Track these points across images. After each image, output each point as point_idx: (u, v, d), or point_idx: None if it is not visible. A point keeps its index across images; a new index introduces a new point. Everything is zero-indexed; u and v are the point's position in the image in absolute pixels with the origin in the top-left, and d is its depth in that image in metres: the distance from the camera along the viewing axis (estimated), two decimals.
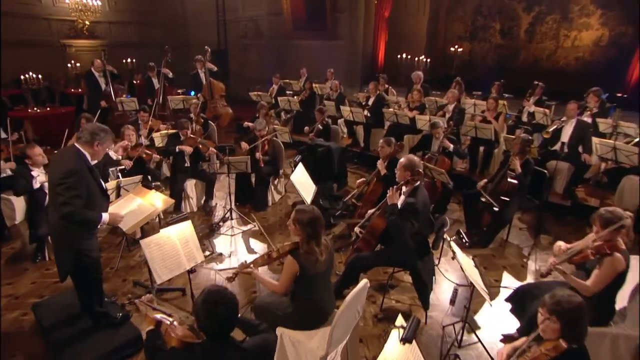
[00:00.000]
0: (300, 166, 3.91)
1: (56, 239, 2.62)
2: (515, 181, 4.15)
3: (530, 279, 3.76)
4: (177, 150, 4.76)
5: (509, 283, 3.67)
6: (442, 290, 3.54)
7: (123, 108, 6.50)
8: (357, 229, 3.22)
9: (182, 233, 2.67)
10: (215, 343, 1.63)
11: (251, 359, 1.68)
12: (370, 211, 3.25)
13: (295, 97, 8.21)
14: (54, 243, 2.67)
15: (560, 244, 2.64)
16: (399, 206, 2.94)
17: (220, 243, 4.34)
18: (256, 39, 12.18)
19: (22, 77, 7.63)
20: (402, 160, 3.05)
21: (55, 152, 3.64)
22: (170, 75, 7.30)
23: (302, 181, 3.69)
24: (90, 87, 6.88)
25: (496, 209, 4.04)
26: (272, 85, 8.67)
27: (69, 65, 9.98)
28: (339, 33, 10.54)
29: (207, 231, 4.59)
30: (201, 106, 6.92)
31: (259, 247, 4.31)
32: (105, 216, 2.57)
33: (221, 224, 4.71)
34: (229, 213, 4.79)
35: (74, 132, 5.01)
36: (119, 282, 3.58)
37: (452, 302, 3.31)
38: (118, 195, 3.55)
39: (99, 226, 2.57)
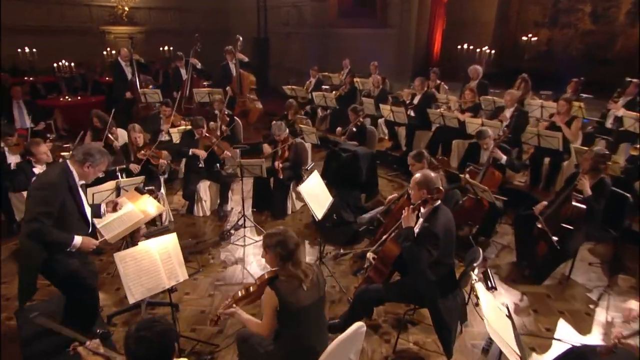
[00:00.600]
0: (315, 175, 3.74)
1: (23, 256, 2.65)
2: (582, 205, 3.66)
3: (596, 334, 3.27)
4: (190, 153, 4.79)
5: (566, 335, 3.22)
6: (475, 333, 3.19)
7: (146, 100, 6.73)
8: (369, 254, 2.99)
9: (164, 247, 2.61)
10: None
11: None
12: (385, 234, 3.00)
13: (333, 92, 8.06)
14: (20, 263, 2.69)
15: (634, 305, 2.19)
16: (416, 230, 2.67)
17: (228, 254, 4.30)
18: (298, 27, 12.17)
19: (55, 64, 8.18)
20: (416, 176, 2.77)
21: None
22: (199, 65, 7.44)
23: (315, 192, 3.51)
24: (116, 77, 7.21)
25: (555, 238, 3.58)
26: (310, 79, 8.57)
27: (104, 52, 10.60)
28: (388, 20, 10.21)
29: (217, 239, 4.57)
30: (229, 100, 7.05)
31: None
32: (77, 240, 2.56)
33: (232, 232, 4.67)
34: (242, 220, 4.75)
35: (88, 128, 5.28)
36: (112, 290, 3.64)
37: (485, 351, 2.97)
38: (118, 197, 3.61)
39: (71, 249, 2.57)
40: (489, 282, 2.57)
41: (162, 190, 4.78)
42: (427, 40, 10.41)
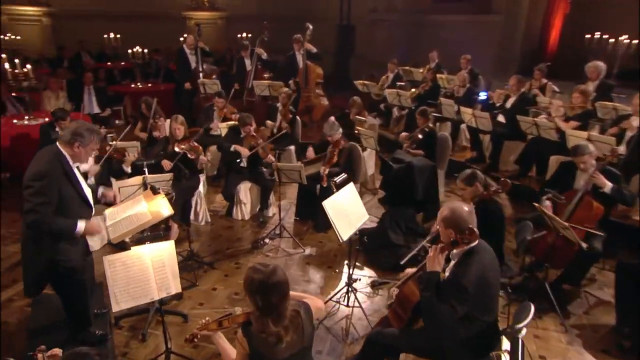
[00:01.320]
0: (349, 188, 3.56)
1: (24, 251, 2.83)
2: None
3: None
4: (232, 149, 4.93)
5: None
6: None
7: (205, 90, 7.11)
8: (393, 289, 2.75)
9: (158, 255, 2.68)
10: None
11: None
12: (410, 270, 2.73)
13: (412, 89, 7.73)
14: (22, 257, 2.88)
15: None
16: (442, 277, 2.38)
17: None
18: (387, 13, 11.93)
19: (129, 51, 9.06)
20: (442, 209, 2.45)
21: None
22: (264, 56, 7.66)
23: (343, 208, 3.35)
24: (180, 65, 7.75)
25: None
26: (387, 73, 8.33)
27: (181, 39, 11.48)
28: (493, 4, 9.50)
29: (249, 247, 4.64)
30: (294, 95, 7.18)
31: (307, 279, 4.13)
32: (80, 225, 2.70)
33: (267, 241, 4.70)
34: (278, 229, 4.76)
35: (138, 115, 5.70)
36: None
37: None
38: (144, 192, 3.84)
39: (76, 235, 2.73)
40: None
41: (201, 188, 5.00)
42: (541, 28, 9.47)
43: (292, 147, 6.22)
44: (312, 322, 2.15)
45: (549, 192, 3.72)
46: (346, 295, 3.69)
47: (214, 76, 7.75)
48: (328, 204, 3.27)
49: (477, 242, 2.43)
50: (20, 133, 5.86)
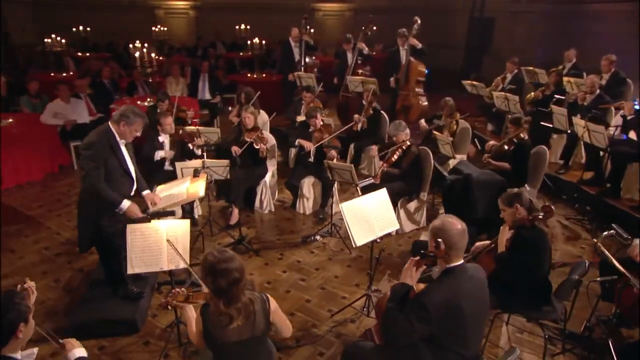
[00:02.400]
0: (382, 193, 3.60)
1: (79, 211, 3.58)
2: None
3: None
4: (296, 143, 5.28)
5: None
6: None
7: (301, 83, 7.55)
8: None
9: (174, 231, 3.13)
10: None
11: None
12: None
13: (532, 93, 7.13)
14: (77, 216, 3.63)
15: None
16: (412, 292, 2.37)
17: (298, 260, 4.61)
18: (531, 4, 11.02)
19: (248, 42, 10.05)
20: (435, 220, 2.40)
21: None
22: (366, 51, 7.82)
23: (366, 214, 3.40)
24: (283, 57, 8.35)
25: None
26: (505, 73, 7.79)
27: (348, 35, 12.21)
28: None
29: (299, 241, 4.95)
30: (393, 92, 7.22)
31: (340, 282, 4.30)
32: (125, 204, 3.31)
33: (318, 238, 4.95)
34: (330, 227, 4.97)
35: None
36: None
37: None
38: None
39: (118, 211, 3.35)
40: None
41: (268, 177, 5.46)
42: None
43: (374, 147, 6.30)
44: (267, 317, 2.33)
45: (614, 229, 3.24)
46: (366, 304, 3.76)
47: (315, 69, 8.19)
48: (346, 207, 3.39)
49: (458, 263, 2.35)
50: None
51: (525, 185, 5.28)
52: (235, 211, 5.15)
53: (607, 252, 3.02)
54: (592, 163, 5.87)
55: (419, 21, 7.42)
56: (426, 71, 8.35)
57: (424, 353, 2.36)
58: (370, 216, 3.47)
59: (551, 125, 6.16)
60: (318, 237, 4.96)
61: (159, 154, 4.97)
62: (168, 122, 5.07)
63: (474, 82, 7.67)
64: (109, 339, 3.49)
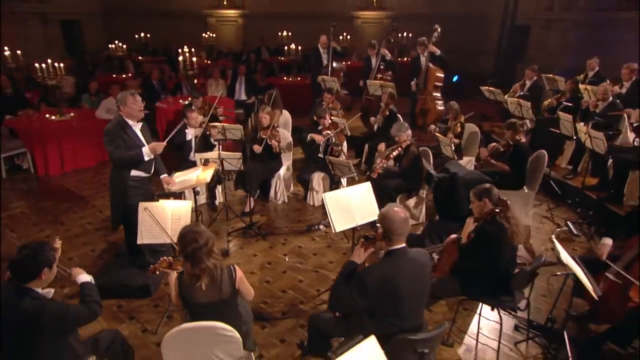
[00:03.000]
0: (367, 186, 3.82)
1: (110, 186, 4.12)
2: None
3: None
4: (308, 138, 5.56)
5: None
6: None
7: (325, 86, 7.81)
8: None
9: (177, 210, 3.51)
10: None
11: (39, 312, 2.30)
12: None
13: (549, 100, 7.04)
14: (110, 194, 4.21)
15: None
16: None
17: (299, 245, 4.91)
18: (565, 12, 10.68)
19: (285, 47, 10.45)
20: (382, 209, 2.62)
21: None
22: (388, 57, 7.96)
23: (348, 204, 3.64)
24: (313, 62, 8.65)
25: None
26: (524, 80, 7.69)
27: (340, 37, 12.46)
28: None
29: (304, 229, 5.24)
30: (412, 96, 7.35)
31: (333, 268, 4.54)
32: (145, 150, 3.83)
33: (321, 227, 5.22)
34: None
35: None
36: None
37: None
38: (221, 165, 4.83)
39: (145, 159, 3.85)
40: None
41: (282, 171, 5.78)
42: None
43: (382, 144, 6.44)
44: (233, 285, 2.66)
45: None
46: None
47: (341, 73, 8.43)
48: (328, 196, 3.65)
49: (399, 246, 2.56)
50: (179, 109, 7.59)
51: (524, 187, 5.32)
52: (251, 200, 5.51)
53: (560, 247, 3.07)
54: (597, 169, 5.76)
55: (439, 29, 7.50)
56: (455, 77, 8.24)
57: (367, 322, 2.61)
58: (352, 206, 3.70)
59: (558, 131, 6.06)
60: (321, 227, 5.23)
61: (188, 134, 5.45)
62: (193, 116, 5.50)
63: (491, 88, 7.62)
64: (126, 300, 3.96)
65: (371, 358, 2.05)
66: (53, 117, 6.98)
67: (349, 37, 12.58)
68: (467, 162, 6.00)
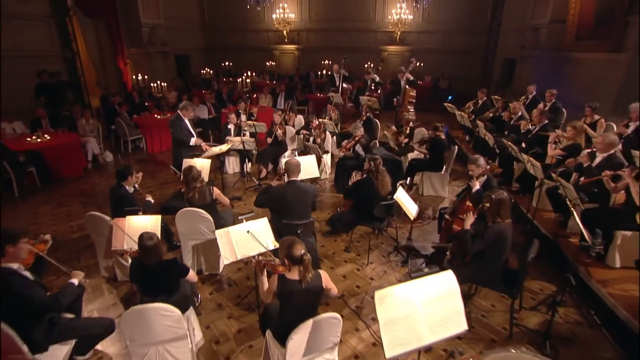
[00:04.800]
0: (311, 158, 5.42)
1: (174, 155, 6.13)
2: None
3: None
4: (301, 132, 7.24)
5: None
6: None
7: (332, 101, 9.38)
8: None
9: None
10: None
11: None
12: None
13: (485, 114, 8.06)
14: (173, 157, 6.21)
15: None
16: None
17: None
18: (531, 50, 11.28)
19: (319, 72, 12.13)
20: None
21: None
22: (377, 79, 9.38)
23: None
24: (329, 84, 10.27)
25: None
26: (477, 99, 8.71)
27: (370, 65, 13.85)
28: (624, 43, 8.19)
29: None
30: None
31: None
32: (193, 140, 5.85)
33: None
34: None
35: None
36: None
37: None
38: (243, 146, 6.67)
39: (191, 144, 5.83)
40: None
41: (286, 153, 7.47)
42: None
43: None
44: (212, 196, 4.42)
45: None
46: None
47: (348, 92, 9.95)
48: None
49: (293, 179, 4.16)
50: None
51: (442, 170, 6.54)
52: (264, 170, 7.29)
53: (403, 195, 4.47)
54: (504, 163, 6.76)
55: (414, 61, 8.77)
56: (450, 97, 9.30)
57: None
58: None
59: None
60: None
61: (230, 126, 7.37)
62: (232, 116, 7.42)
63: (450, 105, 8.74)
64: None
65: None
66: (158, 117, 9.28)
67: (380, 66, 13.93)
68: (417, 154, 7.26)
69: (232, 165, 7.63)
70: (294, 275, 2.72)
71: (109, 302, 4.09)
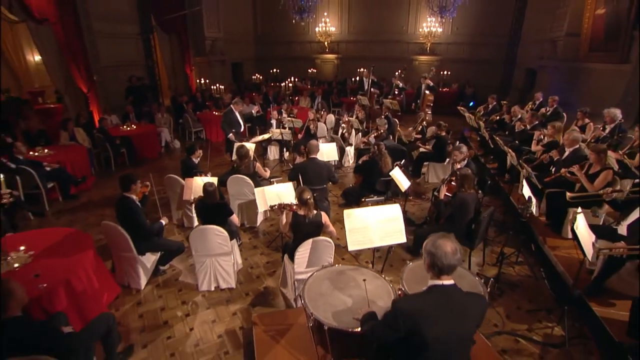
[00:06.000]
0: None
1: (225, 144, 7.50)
2: None
3: None
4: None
5: None
6: None
7: (360, 103, 10.42)
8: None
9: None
10: None
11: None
12: None
13: (492, 116, 8.75)
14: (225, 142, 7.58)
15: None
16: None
17: None
18: (548, 60, 11.65)
19: (352, 79, 13.22)
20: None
21: None
22: (401, 85, 10.30)
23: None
24: (358, 88, 11.31)
25: None
26: (487, 104, 9.40)
27: (397, 73, 14.76)
28: (630, 55, 8.56)
29: None
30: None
31: None
32: (230, 135, 7.12)
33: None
34: None
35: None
36: None
37: None
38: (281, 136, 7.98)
39: (228, 136, 7.16)
40: None
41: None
42: None
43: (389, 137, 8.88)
44: (254, 168, 5.72)
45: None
46: None
47: (375, 95, 10.98)
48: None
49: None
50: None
51: (445, 162, 7.42)
52: (298, 158, 8.44)
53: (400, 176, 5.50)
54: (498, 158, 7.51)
55: (434, 70, 9.64)
56: (471, 102, 10.11)
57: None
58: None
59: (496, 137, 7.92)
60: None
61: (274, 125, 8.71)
62: (274, 114, 8.75)
63: (462, 108, 9.50)
64: None
65: None
66: (216, 113, 10.85)
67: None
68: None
69: (272, 153, 8.96)
70: (302, 212, 3.89)
71: (179, 239, 5.50)
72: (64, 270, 3.45)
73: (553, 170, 5.51)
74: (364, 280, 2.86)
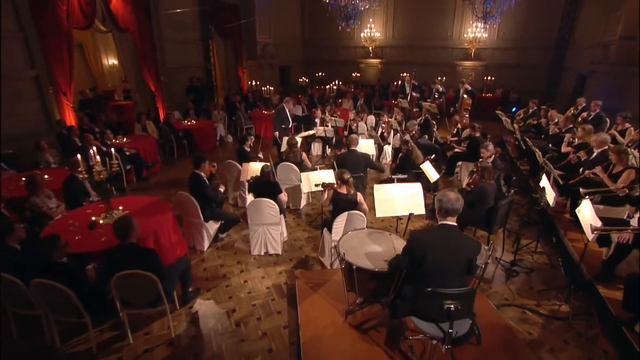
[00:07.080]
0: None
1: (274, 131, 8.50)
2: None
3: None
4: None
5: None
6: None
7: (400, 105, 11.06)
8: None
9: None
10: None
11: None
12: None
13: (529, 120, 9.07)
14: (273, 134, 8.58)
15: None
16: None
17: None
18: (601, 65, 11.59)
19: (391, 83, 13.88)
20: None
21: None
22: (441, 89, 10.81)
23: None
24: (400, 92, 11.95)
25: None
26: (527, 108, 9.71)
27: (438, 78, 15.21)
28: None
29: None
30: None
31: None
32: (276, 133, 8.10)
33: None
34: None
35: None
36: None
37: None
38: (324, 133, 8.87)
39: (274, 132, 8.14)
40: None
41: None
42: None
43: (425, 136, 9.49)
44: (301, 157, 6.65)
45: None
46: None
47: (415, 98, 11.58)
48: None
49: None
50: None
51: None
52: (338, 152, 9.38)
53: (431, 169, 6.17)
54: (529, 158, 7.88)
55: (473, 75, 10.11)
56: (514, 108, 10.48)
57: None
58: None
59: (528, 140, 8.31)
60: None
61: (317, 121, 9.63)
62: (318, 113, 9.67)
63: (500, 112, 9.87)
64: None
65: None
66: (265, 112, 11.99)
67: (443, 78, 15.26)
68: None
69: (316, 149, 9.88)
70: (342, 190, 4.71)
71: None
72: (153, 224, 4.52)
73: (581, 170, 5.90)
74: (390, 234, 3.63)
